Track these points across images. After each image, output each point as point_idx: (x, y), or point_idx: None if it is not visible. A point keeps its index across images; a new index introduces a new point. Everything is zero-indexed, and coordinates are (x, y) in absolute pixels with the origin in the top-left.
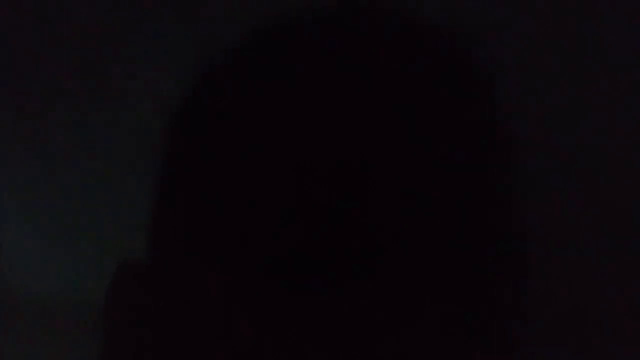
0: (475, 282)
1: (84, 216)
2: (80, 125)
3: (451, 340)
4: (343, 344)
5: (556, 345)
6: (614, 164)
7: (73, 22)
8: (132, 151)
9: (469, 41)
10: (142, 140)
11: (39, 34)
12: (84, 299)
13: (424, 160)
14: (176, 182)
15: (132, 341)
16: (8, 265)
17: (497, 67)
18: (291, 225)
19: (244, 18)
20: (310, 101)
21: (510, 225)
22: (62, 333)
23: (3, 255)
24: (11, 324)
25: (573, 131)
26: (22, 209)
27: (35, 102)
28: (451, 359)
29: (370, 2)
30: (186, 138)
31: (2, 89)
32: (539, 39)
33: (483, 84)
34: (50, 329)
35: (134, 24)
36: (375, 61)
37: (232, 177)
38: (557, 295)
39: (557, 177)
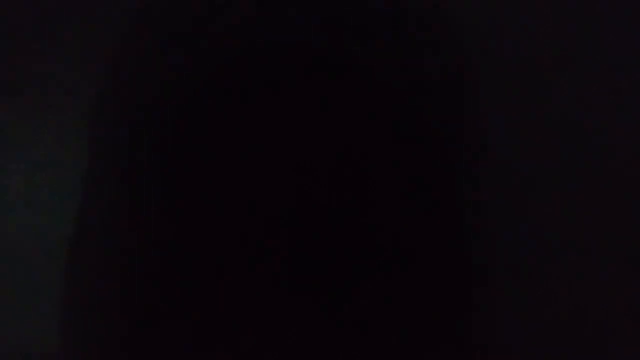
0: (475, 282)
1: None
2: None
3: (451, 339)
4: (342, 343)
5: (556, 345)
6: (614, 164)
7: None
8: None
9: (464, 40)
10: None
11: None
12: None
13: (423, 160)
14: (176, 182)
15: (132, 339)
16: None
17: (496, 67)
18: (291, 225)
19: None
20: (310, 101)
21: (510, 227)
22: None
23: None
24: None
25: (573, 131)
26: None
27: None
28: (451, 358)
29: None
30: (187, 139)
31: None
32: (538, 38)
33: (482, 84)
34: None
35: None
36: (375, 62)
37: (232, 177)
38: (557, 295)
39: (557, 177)
